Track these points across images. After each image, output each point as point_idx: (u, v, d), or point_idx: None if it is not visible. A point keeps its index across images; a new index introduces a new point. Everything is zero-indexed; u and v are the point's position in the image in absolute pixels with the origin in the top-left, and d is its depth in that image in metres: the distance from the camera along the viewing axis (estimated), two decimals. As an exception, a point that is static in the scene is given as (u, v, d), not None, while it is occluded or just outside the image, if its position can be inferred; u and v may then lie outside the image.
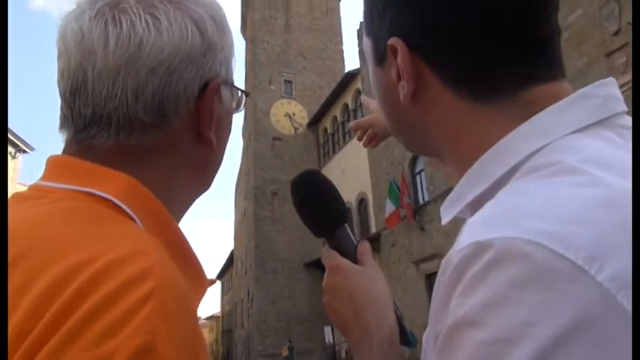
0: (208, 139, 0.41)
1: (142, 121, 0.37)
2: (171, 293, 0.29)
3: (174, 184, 0.40)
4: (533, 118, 0.33)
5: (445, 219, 0.38)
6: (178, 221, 0.41)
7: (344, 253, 0.48)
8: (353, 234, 0.50)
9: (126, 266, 0.29)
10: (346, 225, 0.49)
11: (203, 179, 0.43)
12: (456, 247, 0.29)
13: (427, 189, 13.31)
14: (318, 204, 0.49)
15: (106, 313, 0.27)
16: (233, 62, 0.43)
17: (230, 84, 0.43)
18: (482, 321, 0.26)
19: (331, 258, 0.48)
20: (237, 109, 0.46)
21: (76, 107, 0.38)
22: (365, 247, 0.49)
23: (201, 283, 0.37)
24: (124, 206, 0.35)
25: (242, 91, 0.45)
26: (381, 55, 0.39)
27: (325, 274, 0.48)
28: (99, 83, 0.37)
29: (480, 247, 0.27)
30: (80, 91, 0.37)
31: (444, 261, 0.30)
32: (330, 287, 0.47)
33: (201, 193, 0.44)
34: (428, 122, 0.38)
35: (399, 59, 0.37)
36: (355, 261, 0.48)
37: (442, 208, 0.39)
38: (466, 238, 0.29)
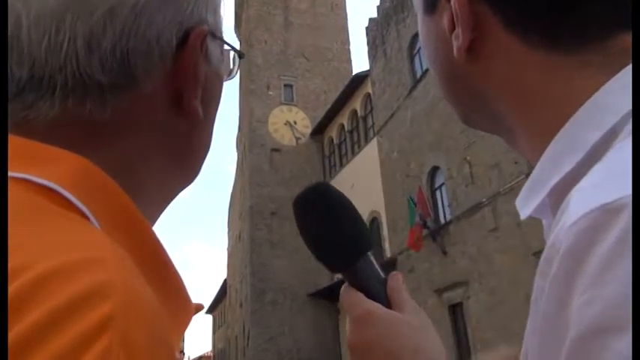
0: (192, 109, 0.35)
1: (99, 83, 0.31)
2: (139, 321, 0.23)
3: (145, 170, 0.34)
4: (628, 68, 0.29)
5: (525, 211, 0.32)
6: (153, 223, 0.36)
7: (370, 293, 0.41)
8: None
9: (69, 281, 0.22)
10: (369, 253, 0.42)
11: (186, 165, 0.38)
12: (564, 223, 0.24)
13: (449, 206, 13.24)
14: (332, 229, 0.42)
15: (30, 356, 0.20)
16: (222, 9, 0.38)
17: (219, 38, 0.38)
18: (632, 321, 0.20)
19: (356, 302, 0.40)
20: (229, 75, 0.41)
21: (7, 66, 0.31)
22: (397, 281, 0.42)
23: (183, 308, 0.31)
24: (72, 198, 0.27)
25: (235, 49, 0.40)
26: (431, 1, 0.37)
27: (349, 326, 0.40)
28: (37, 31, 0.30)
29: (607, 213, 0.22)
30: (12, 44, 0.30)
31: (545, 253, 0.24)
32: (359, 345, 0.39)
33: (184, 186, 0.39)
34: (489, 82, 0.34)
35: (452, 0, 0.34)
36: (387, 302, 0.41)
37: (518, 201, 0.32)
38: (580, 205, 0.23)
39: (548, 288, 0.23)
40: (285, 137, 23.79)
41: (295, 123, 24.12)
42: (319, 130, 23.95)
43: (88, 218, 0.27)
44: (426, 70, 14.71)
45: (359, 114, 20.98)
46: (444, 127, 13.21)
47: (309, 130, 24.20)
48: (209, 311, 36.89)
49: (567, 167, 0.29)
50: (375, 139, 18.58)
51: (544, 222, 0.32)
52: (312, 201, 0.42)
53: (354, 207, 0.43)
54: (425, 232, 13.59)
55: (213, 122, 0.39)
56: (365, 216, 18.66)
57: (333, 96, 23.50)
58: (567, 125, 0.29)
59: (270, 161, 23.16)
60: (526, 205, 0.32)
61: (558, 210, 0.25)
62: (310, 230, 0.42)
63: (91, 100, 0.31)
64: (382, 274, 0.42)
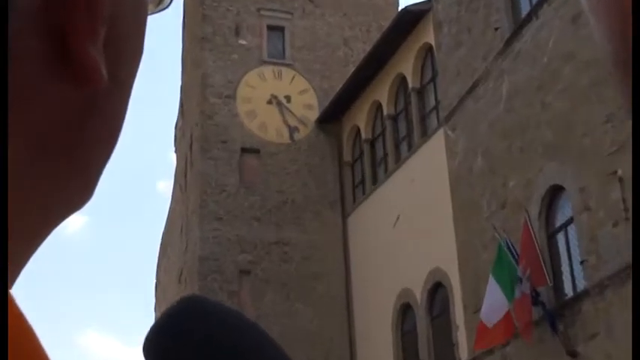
0: (86, 61, 0.37)
1: None
2: None
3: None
4: None
5: None
6: (13, 279, 0.38)
7: None
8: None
9: None
10: None
11: (75, 171, 0.40)
12: None
13: (582, 263, 13.24)
14: None
15: None
16: None
17: None
18: None
19: None
20: (158, 3, 0.46)
21: None
22: None
23: None
24: None
25: None
26: None
27: None
28: None
29: None
30: None
31: None
32: None
33: (71, 209, 0.41)
34: None
35: None
36: None
37: None
38: None
39: None
40: (268, 128, 23.73)
41: (289, 100, 24.13)
42: (335, 115, 23.82)
43: None
44: (539, 3, 14.71)
45: (410, 85, 20.95)
46: (573, 110, 13.22)
47: (315, 115, 24.16)
48: None
49: None
50: (441, 131, 18.62)
51: None
52: (180, 336, 0.48)
53: (251, 325, 0.48)
54: (536, 312, 13.41)
55: (128, 91, 0.42)
56: (420, 281, 18.85)
57: (363, 50, 23.52)
58: None
59: (239, 173, 23.07)
60: None
61: None
62: None
63: None
64: None
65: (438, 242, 17.87)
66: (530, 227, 13.93)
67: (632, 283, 0.33)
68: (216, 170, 23.21)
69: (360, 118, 23.53)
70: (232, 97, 23.99)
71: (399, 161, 21.47)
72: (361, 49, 24.06)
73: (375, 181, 22.60)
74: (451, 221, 17.42)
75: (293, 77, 24.63)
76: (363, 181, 23.31)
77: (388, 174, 21.84)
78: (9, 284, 0.36)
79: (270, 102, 24.20)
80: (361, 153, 23.59)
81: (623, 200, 12.09)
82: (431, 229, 18.30)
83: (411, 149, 20.93)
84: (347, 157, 24.15)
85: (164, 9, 0.46)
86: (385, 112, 22.36)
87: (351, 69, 23.41)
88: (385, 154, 22.32)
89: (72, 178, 0.40)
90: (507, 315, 13.71)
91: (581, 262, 13.22)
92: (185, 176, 25.98)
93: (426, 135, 20.36)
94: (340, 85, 23.55)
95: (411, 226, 19.41)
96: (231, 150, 23.50)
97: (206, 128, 23.61)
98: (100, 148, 0.41)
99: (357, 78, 22.62)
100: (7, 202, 0.32)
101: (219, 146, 23.47)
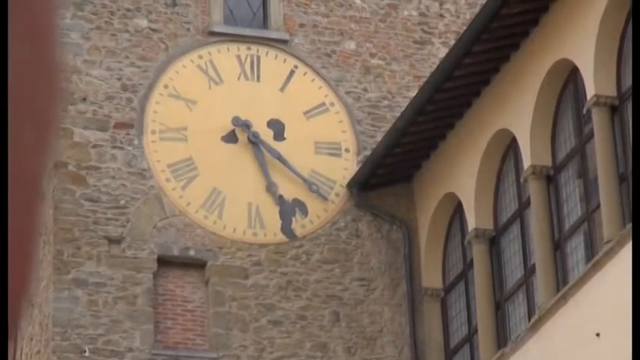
0: None
1: None
2: None
3: None
4: None
5: None
6: None
7: None
8: None
9: None
10: None
11: None
12: None
13: None
14: None
15: None
16: None
17: None
18: None
19: None
20: None
21: None
22: None
23: None
24: None
25: None
26: None
27: None
28: None
29: None
30: None
31: None
32: None
33: None
34: None
35: None
36: None
37: None
38: None
39: None
40: (229, 203, 23.68)
41: (280, 133, 23.66)
42: (401, 169, 21.88)
43: None
44: None
45: (590, 91, 20.68)
46: None
47: (348, 170, 23.93)
48: None
49: None
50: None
51: None
52: None
53: None
54: None
55: None
56: None
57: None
58: None
59: (154, 322, 23.01)
60: None
61: None
62: None
63: None
64: None
65: None
66: None
67: (632, 287, 0.44)
68: (92, 315, 19.81)
69: (461, 173, 20.80)
70: (135, 125, 20.78)
71: (565, 281, 19.28)
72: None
73: (504, 342, 19.70)
74: None
75: (290, 73, 21.58)
76: (470, 340, 20.66)
77: (540, 319, 19.00)
78: None
79: (230, 138, 21.00)
80: (467, 267, 20.77)
81: None
82: None
83: (598, 259, 18.56)
84: (429, 277, 21.60)
85: None
86: (527, 162, 19.59)
87: (440, 46, 21.26)
88: (528, 269, 19.76)
89: None
90: None
91: None
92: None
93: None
94: (413, 94, 20.82)
95: None
96: (133, 262, 20.21)
97: (65, 207, 19.92)
98: None
99: (451, 66, 20.48)
100: (7, 200, 0.53)
101: (101, 252, 20.08)
